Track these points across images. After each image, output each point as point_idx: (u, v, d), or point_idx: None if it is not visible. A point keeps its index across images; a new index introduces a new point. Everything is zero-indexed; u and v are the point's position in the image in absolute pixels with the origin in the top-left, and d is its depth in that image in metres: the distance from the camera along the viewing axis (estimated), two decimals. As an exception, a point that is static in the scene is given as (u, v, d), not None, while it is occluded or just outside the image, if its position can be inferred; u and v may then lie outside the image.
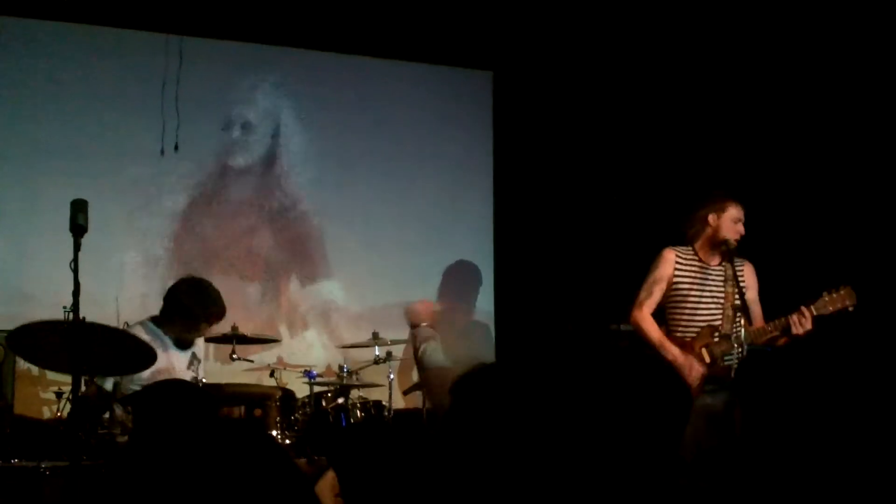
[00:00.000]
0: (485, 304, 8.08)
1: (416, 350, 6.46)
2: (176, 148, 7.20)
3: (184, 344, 5.71)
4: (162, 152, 7.21)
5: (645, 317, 5.69)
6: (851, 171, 6.55)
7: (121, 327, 5.63)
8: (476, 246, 8.09)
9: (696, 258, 5.71)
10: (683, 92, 7.41)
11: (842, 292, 5.44)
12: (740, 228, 5.62)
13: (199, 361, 5.90)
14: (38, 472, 4.50)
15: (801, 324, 5.39)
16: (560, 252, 7.90)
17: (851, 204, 6.52)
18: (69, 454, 4.31)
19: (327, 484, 4.36)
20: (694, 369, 5.50)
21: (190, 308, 5.64)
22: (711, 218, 5.66)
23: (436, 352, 6.63)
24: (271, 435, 5.56)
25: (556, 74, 7.97)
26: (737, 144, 7.07)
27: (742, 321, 5.40)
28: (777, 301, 5.68)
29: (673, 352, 5.56)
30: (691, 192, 6.21)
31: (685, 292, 5.69)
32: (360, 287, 7.75)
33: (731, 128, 7.13)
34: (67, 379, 4.41)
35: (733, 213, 5.63)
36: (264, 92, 7.66)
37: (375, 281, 7.78)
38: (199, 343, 6.00)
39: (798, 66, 6.80)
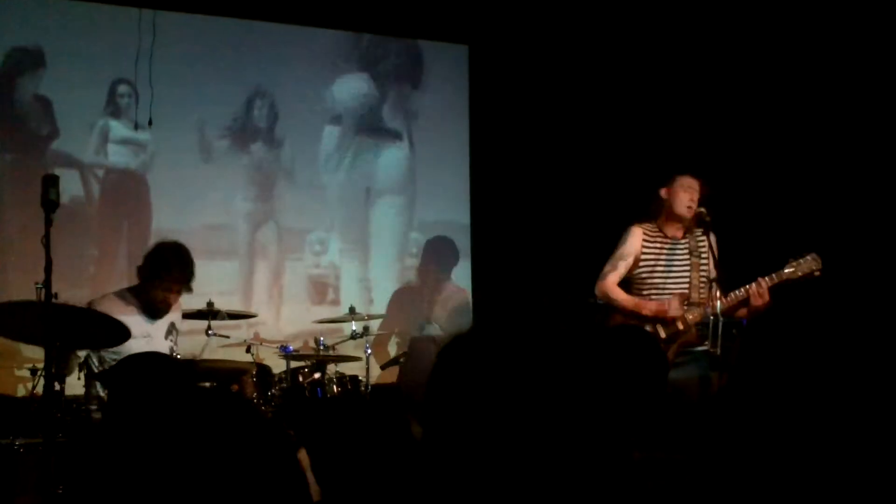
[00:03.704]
0: (462, 278, 8.09)
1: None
2: (150, 122, 7.14)
3: (155, 312, 5.68)
4: (136, 126, 7.16)
5: (611, 285, 5.77)
6: (819, 142, 6.58)
7: (94, 298, 5.61)
8: (453, 220, 8.10)
9: (661, 233, 5.79)
10: (658, 67, 7.41)
11: (808, 258, 5.51)
12: (693, 196, 5.67)
13: (178, 332, 5.88)
14: (12, 449, 4.48)
15: (759, 295, 5.46)
16: (537, 226, 7.90)
17: (819, 175, 6.55)
18: (43, 431, 4.29)
19: (302, 459, 4.37)
20: (673, 307, 5.57)
21: (170, 267, 5.63)
22: (664, 192, 5.74)
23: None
24: (252, 404, 5.55)
25: (533, 48, 7.95)
26: (709, 117, 7.08)
27: (717, 291, 5.44)
28: (743, 269, 5.73)
29: (648, 305, 5.64)
30: (664, 166, 6.25)
31: (651, 267, 5.76)
32: (337, 262, 7.74)
33: (705, 100, 7.13)
34: (41, 356, 4.38)
35: (683, 183, 5.69)
36: (239, 66, 7.62)
37: (352, 256, 7.77)
38: (177, 312, 5.98)
39: (765, 41, 6.81)
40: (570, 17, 7.71)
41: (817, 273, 5.51)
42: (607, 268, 5.82)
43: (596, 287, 5.83)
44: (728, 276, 5.74)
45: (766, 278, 5.52)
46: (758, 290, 5.48)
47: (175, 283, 5.65)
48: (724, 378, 5.28)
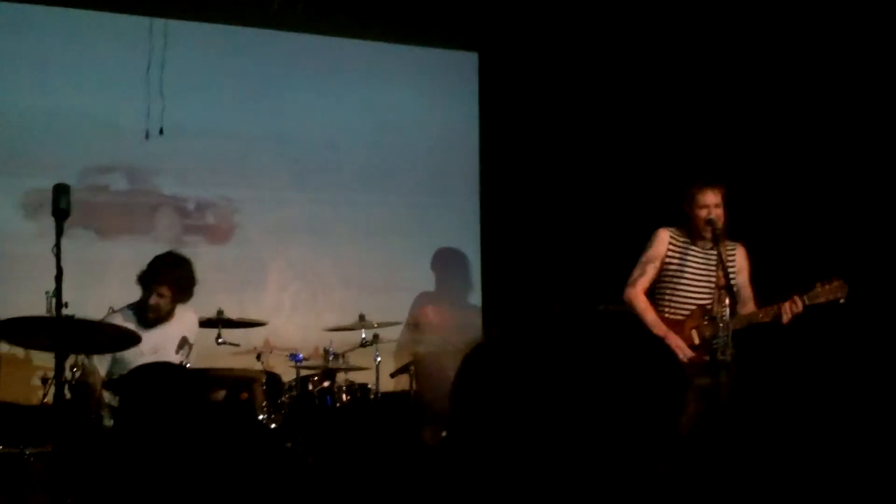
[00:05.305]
0: (472, 285, 8.07)
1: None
2: (161, 131, 7.17)
3: (150, 321, 5.70)
4: (147, 135, 7.18)
5: (638, 294, 5.77)
6: (848, 159, 6.53)
7: (106, 312, 5.65)
8: (463, 228, 8.09)
9: (689, 240, 5.77)
10: (672, 71, 7.39)
11: (834, 284, 5.49)
12: (710, 213, 5.64)
13: (191, 347, 5.89)
14: (23, 458, 4.50)
15: (791, 312, 5.44)
16: (547, 233, 7.89)
17: (846, 193, 6.50)
18: (54, 440, 4.30)
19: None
20: (681, 351, 5.53)
21: (157, 271, 5.70)
22: (686, 207, 5.74)
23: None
24: (257, 418, 5.57)
25: (543, 55, 7.94)
26: (724, 120, 7.05)
27: (727, 299, 5.42)
28: (770, 287, 5.71)
29: (663, 331, 5.60)
30: (677, 173, 6.24)
31: (673, 272, 5.75)
32: (347, 270, 7.74)
33: (719, 103, 7.11)
34: (53, 364, 4.39)
35: (699, 200, 5.68)
36: (249, 75, 7.63)
37: (362, 263, 7.77)
38: (192, 327, 5.98)
39: (792, 53, 6.77)
40: (582, 23, 7.70)
41: (842, 300, 5.49)
42: (636, 273, 5.83)
43: (624, 291, 5.84)
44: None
45: (802, 297, 5.49)
46: (791, 308, 5.46)
47: (162, 287, 5.69)
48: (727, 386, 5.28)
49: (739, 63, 7.00)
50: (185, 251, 6.39)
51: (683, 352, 5.52)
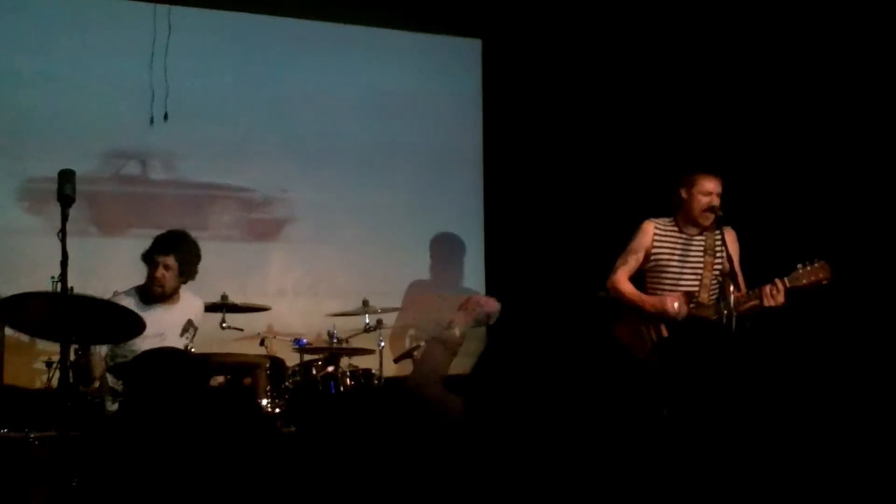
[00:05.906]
0: (475, 273, 8.08)
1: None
2: (165, 117, 7.19)
3: (155, 297, 5.71)
4: (151, 121, 7.20)
5: (620, 280, 5.79)
6: (834, 146, 6.53)
7: (109, 296, 5.65)
8: (466, 215, 8.09)
9: (677, 229, 5.77)
10: (672, 62, 7.38)
11: (816, 265, 5.46)
12: (712, 200, 5.65)
13: (196, 329, 5.90)
14: (27, 442, 4.51)
15: (772, 296, 5.42)
16: (551, 222, 7.88)
17: (833, 177, 6.50)
18: (58, 424, 4.31)
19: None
20: (671, 304, 5.55)
21: (155, 243, 5.76)
22: (683, 192, 5.72)
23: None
24: (258, 404, 5.58)
25: (547, 42, 7.93)
26: (723, 111, 7.04)
27: (730, 286, 5.40)
28: (755, 271, 5.70)
29: (650, 300, 5.64)
30: (674, 160, 6.24)
31: (664, 263, 5.76)
32: (350, 255, 7.75)
33: (720, 96, 7.10)
34: (57, 348, 4.39)
35: (702, 186, 5.68)
36: (254, 61, 7.64)
37: (365, 249, 7.78)
38: (197, 310, 6.00)
39: (781, 39, 6.77)
40: (586, 10, 7.68)
41: (825, 282, 5.47)
42: (619, 262, 5.87)
43: (607, 280, 5.86)
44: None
45: (783, 280, 5.47)
46: (772, 291, 5.44)
47: (168, 257, 5.70)
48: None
49: (745, 46, 6.98)
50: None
51: (677, 304, 5.55)
